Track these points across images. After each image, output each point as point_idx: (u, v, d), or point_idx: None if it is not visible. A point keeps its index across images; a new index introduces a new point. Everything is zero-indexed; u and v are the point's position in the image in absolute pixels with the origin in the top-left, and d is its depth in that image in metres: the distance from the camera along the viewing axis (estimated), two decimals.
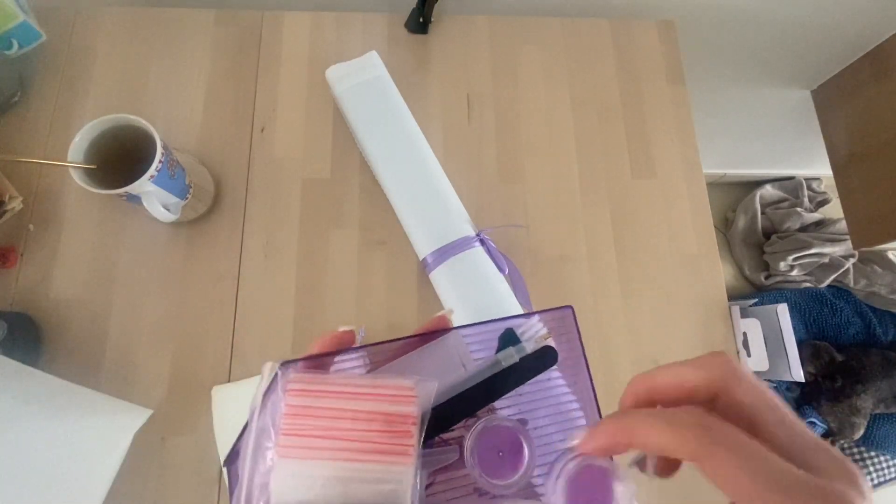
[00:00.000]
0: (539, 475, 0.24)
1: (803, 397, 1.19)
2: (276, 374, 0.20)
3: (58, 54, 0.58)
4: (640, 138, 0.62)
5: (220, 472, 0.48)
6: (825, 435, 1.18)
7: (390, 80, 0.56)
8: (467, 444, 0.22)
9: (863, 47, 0.83)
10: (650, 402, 0.20)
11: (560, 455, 0.21)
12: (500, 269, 0.52)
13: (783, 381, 1.15)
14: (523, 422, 0.24)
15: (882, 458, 1.18)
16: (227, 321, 0.53)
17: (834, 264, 1.22)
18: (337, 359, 0.23)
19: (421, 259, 0.53)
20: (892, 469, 1.18)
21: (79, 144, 0.44)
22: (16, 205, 0.52)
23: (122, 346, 0.51)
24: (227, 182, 0.56)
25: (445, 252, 0.51)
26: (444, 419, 0.22)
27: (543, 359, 0.23)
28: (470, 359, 0.24)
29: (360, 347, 0.23)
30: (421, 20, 0.61)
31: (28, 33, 0.56)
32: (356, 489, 0.18)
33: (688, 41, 0.69)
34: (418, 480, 0.19)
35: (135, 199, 0.45)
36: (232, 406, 0.49)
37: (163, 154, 0.44)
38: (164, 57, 0.59)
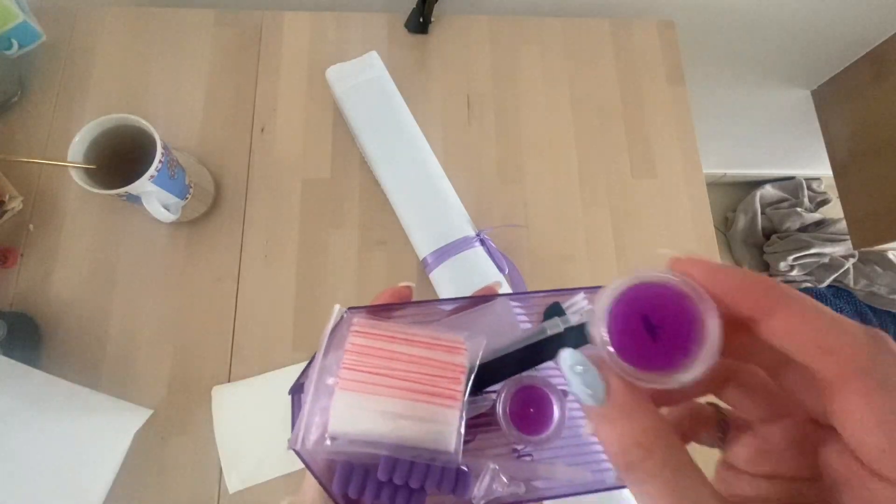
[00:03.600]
0: (571, 436, 0.25)
1: None
2: (343, 316, 0.22)
3: (58, 54, 0.58)
4: (640, 138, 0.62)
5: (220, 472, 0.48)
6: None
7: (390, 80, 0.56)
8: (499, 398, 0.24)
9: (863, 47, 0.82)
10: (749, 320, 0.16)
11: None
12: (500, 269, 0.52)
13: None
14: (564, 393, 0.25)
15: None
16: (227, 321, 0.53)
17: (834, 264, 1.22)
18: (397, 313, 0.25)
19: (421, 259, 0.53)
20: None
21: (79, 144, 0.44)
22: (16, 205, 0.52)
23: (122, 346, 0.51)
24: (227, 182, 0.56)
25: (445, 252, 0.51)
26: (488, 376, 0.24)
27: (587, 332, 0.24)
28: (517, 325, 0.25)
29: (417, 303, 0.25)
30: (421, 20, 0.61)
31: (28, 33, 0.56)
32: (405, 425, 0.20)
33: (688, 41, 0.69)
34: (462, 424, 0.20)
35: (135, 199, 0.45)
36: (232, 406, 0.49)
37: (163, 154, 0.44)
38: (164, 57, 0.59)
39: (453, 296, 0.51)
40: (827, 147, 0.94)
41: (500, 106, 0.61)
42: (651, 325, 0.15)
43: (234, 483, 0.48)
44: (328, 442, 0.20)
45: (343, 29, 0.62)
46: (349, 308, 0.23)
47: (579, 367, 0.15)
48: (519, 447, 0.25)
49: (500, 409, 0.24)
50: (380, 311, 0.24)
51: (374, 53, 0.56)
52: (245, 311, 0.53)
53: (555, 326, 0.24)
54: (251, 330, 0.52)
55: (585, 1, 0.69)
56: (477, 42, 0.63)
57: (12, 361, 0.42)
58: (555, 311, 0.25)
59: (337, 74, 0.55)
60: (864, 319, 1.22)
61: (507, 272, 0.53)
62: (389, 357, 0.21)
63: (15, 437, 0.40)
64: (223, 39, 0.61)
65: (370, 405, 0.20)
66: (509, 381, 0.24)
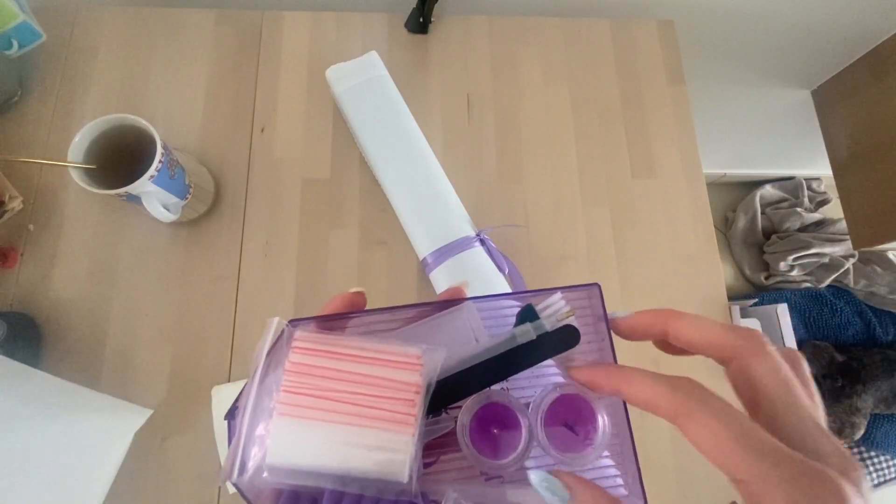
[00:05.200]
0: (544, 455, 0.23)
1: None
2: (283, 332, 0.20)
3: (58, 54, 0.58)
4: (640, 138, 0.62)
5: (220, 471, 0.48)
6: None
7: (390, 80, 0.56)
8: (460, 420, 0.21)
9: (863, 47, 0.82)
10: (663, 334, 0.21)
11: (542, 392, 0.21)
12: (500, 269, 0.52)
13: None
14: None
15: (882, 458, 1.18)
16: (227, 321, 0.52)
17: (834, 264, 1.22)
18: (351, 323, 0.22)
19: (421, 259, 0.53)
20: (892, 469, 1.18)
21: (79, 144, 0.44)
22: (16, 205, 0.52)
23: (122, 346, 0.51)
24: (227, 182, 0.56)
25: (445, 252, 0.51)
26: (451, 392, 0.21)
27: (564, 338, 0.22)
28: (483, 333, 0.23)
29: (372, 311, 0.22)
30: (421, 20, 0.61)
31: (28, 33, 0.56)
32: (353, 454, 0.18)
33: (688, 41, 0.69)
34: (418, 451, 0.18)
35: (135, 199, 0.45)
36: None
37: (163, 154, 0.44)
38: (164, 57, 0.59)
39: None
40: (827, 147, 0.94)
41: (500, 105, 0.61)
42: (570, 425, 0.19)
43: None
44: (265, 474, 0.18)
45: (343, 29, 0.62)
46: (290, 320, 0.20)
47: (545, 482, 0.18)
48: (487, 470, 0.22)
49: (460, 430, 0.21)
50: (329, 321, 0.21)
51: (374, 53, 0.56)
52: (245, 311, 0.53)
53: (525, 334, 0.22)
54: (251, 330, 0.52)
55: (585, 1, 0.69)
56: (477, 42, 0.63)
57: (12, 361, 0.42)
58: (528, 314, 0.22)
59: (337, 74, 0.55)
60: (864, 319, 1.22)
61: (506, 272, 0.53)
62: (335, 377, 0.18)
63: (15, 437, 0.40)
64: (223, 39, 0.61)
65: (312, 433, 0.18)
66: (475, 396, 0.22)
